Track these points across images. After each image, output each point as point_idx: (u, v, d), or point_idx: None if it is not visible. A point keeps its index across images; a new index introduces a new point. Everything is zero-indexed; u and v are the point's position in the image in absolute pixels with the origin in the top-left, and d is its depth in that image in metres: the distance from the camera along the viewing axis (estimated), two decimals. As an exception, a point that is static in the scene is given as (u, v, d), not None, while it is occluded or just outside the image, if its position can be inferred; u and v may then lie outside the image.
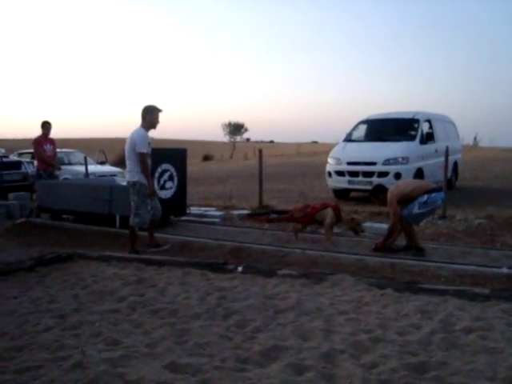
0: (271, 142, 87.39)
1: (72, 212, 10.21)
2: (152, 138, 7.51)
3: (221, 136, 68.04)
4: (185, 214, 10.14)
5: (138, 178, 7.15)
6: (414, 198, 7.13)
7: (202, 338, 4.01)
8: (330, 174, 13.56)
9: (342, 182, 13.29)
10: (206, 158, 41.84)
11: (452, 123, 17.04)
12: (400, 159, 12.62)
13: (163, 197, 9.12)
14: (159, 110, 7.35)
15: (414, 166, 12.85)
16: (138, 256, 6.93)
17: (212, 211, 11.12)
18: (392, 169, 12.50)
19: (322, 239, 7.99)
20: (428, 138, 14.12)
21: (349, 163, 13.14)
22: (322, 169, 14.44)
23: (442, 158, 11.18)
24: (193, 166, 30.87)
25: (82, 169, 15.67)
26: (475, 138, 48.34)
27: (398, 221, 7.20)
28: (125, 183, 8.44)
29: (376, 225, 9.08)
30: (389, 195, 7.22)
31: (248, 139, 78.67)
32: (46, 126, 10.73)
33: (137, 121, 7.31)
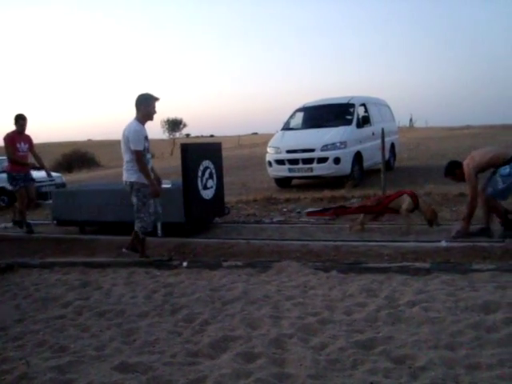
0: (211, 136, 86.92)
1: (99, 222, 8.96)
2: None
3: (160, 133, 67.32)
4: (225, 214, 9.25)
5: (136, 177, 6.37)
6: (493, 167, 6.67)
7: (150, 335, 3.97)
8: (270, 163, 13.63)
9: (282, 171, 13.37)
10: (147, 157, 41.25)
11: (387, 106, 17.39)
12: (338, 144, 12.79)
13: (206, 197, 8.39)
14: (156, 99, 6.49)
15: (352, 149, 13.06)
16: (81, 259, 6.78)
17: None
18: (331, 154, 12.66)
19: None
20: (364, 121, 14.35)
21: (288, 151, 13.23)
22: (263, 159, 14.51)
23: (379, 141, 11.39)
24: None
25: None
26: (411, 120, 49.47)
27: (476, 195, 6.67)
28: (167, 186, 7.88)
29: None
30: (466, 169, 6.71)
31: (188, 135, 78.13)
32: (19, 121, 9.07)
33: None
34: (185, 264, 6.14)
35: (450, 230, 6.93)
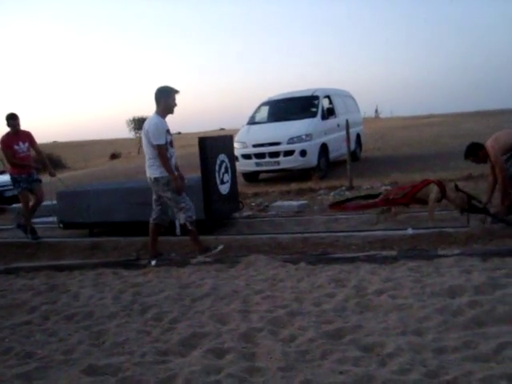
0: (179, 133, 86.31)
1: (111, 223, 8.37)
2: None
3: (126, 132, 66.56)
4: (239, 209, 8.93)
5: (160, 172, 6.16)
6: None
7: (119, 336, 3.93)
8: (237, 158, 13.55)
9: (249, 165, 13.35)
10: (114, 156, 40.69)
11: (351, 97, 17.50)
12: (304, 136, 12.83)
13: (223, 192, 8.06)
14: (176, 92, 6.27)
15: (318, 141, 13.12)
16: (47, 263, 6.67)
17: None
18: (297, 147, 12.70)
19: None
20: (329, 113, 14.41)
21: (254, 145, 13.21)
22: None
23: (345, 132, 11.47)
24: (101, 165, 30.17)
25: None
26: (376, 110, 50.15)
27: (506, 175, 6.44)
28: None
29: (286, 203, 9.22)
30: (491, 150, 6.51)
31: (155, 133, 77.44)
32: (10, 121, 8.22)
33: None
34: (153, 263, 6.10)
35: (497, 212, 6.62)
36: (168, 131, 6.20)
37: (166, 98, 6.21)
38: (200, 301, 4.57)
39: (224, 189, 8.07)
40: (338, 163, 14.15)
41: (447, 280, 4.42)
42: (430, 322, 3.60)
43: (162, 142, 6.10)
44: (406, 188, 7.27)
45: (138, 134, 64.52)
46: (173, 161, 6.24)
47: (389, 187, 9.94)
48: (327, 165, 13.57)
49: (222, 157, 8.08)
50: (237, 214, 8.71)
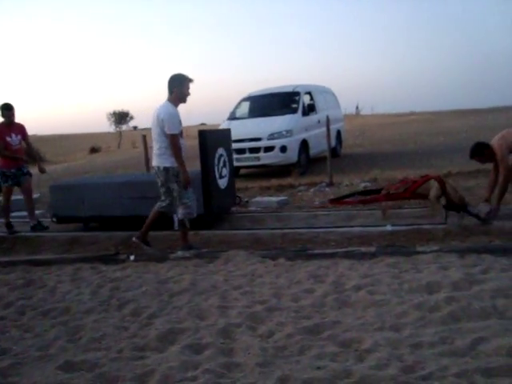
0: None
1: (107, 217, 8.09)
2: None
3: (106, 126, 66.01)
4: (236, 204, 8.79)
5: (171, 162, 6.01)
6: None
7: (96, 332, 3.89)
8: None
9: (229, 161, 13.30)
10: (94, 150, 40.33)
11: (332, 93, 17.55)
12: (284, 132, 12.84)
13: (222, 187, 7.93)
14: (190, 80, 6.09)
15: (298, 137, 13.14)
16: (24, 258, 6.59)
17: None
18: (277, 143, 12.71)
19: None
20: (310, 109, 14.44)
21: (235, 141, 13.12)
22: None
23: (325, 128, 11.49)
24: (80, 159, 29.88)
25: None
26: (357, 107, 50.32)
27: (510, 176, 6.50)
28: None
29: (266, 199, 9.22)
30: (497, 148, 6.50)
31: (135, 127, 76.94)
32: (4, 112, 8.01)
33: None
34: (131, 258, 6.06)
35: (479, 211, 6.63)
36: (180, 121, 6.11)
37: (179, 86, 6.06)
38: (178, 296, 4.55)
39: (222, 183, 7.96)
40: (319, 159, 14.18)
41: (425, 276, 4.46)
42: (407, 318, 3.63)
43: (177, 131, 6.00)
44: (407, 183, 7.29)
45: (118, 128, 64.42)
46: (182, 153, 6.10)
47: (368, 184, 10.01)
48: (307, 161, 13.60)
49: (221, 150, 7.96)
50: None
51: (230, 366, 3.14)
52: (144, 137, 12.68)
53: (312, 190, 10.10)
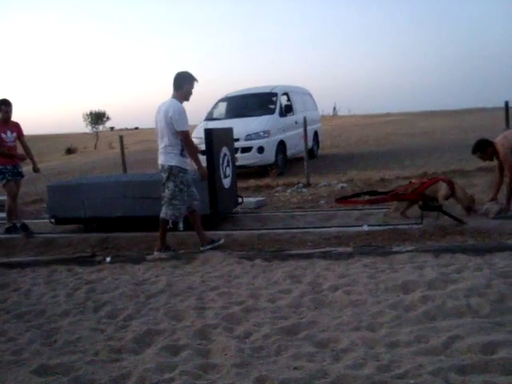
0: (136, 128, 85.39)
1: (108, 218, 7.88)
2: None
3: (83, 127, 65.42)
4: (238, 204, 8.55)
5: (176, 161, 5.94)
6: None
7: (72, 334, 3.85)
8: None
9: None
10: (70, 151, 39.95)
11: (309, 94, 17.60)
12: (261, 133, 12.86)
13: (226, 186, 7.79)
14: (196, 80, 6.08)
15: (275, 138, 13.17)
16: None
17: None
18: (254, 143, 12.72)
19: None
20: (287, 110, 14.49)
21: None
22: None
23: (302, 129, 11.53)
24: (56, 160, 29.54)
25: None
26: (334, 108, 50.66)
27: None
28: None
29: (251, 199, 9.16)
30: (500, 148, 6.58)
31: (112, 128, 76.46)
32: (1, 107, 7.84)
33: None
34: (108, 259, 6.01)
35: (487, 210, 6.76)
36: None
37: (188, 85, 6.04)
38: (155, 297, 4.53)
39: (226, 183, 7.85)
40: (296, 160, 14.23)
41: (401, 276, 4.49)
42: (383, 318, 3.65)
43: (188, 128, 5.98)
44: (416, 184, 7.28)
45: (94, 129, 63.87)
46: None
47: (345, 185, 10.06)
48: (285, 162, 13.64)
49: (225, 150, 7.85)
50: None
51: (207, 367, 3.13)
52: (121, 137, 12.60)
53: (289, 190, 10.12)
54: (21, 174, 8.16)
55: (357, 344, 3.23)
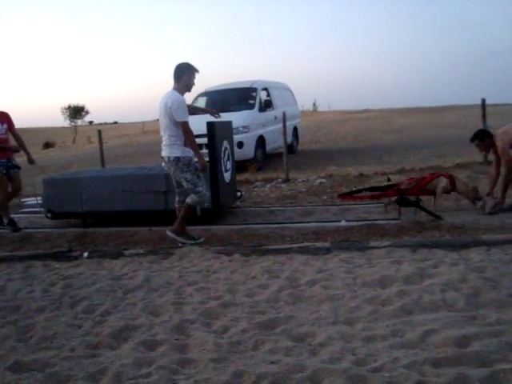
0: (115, 122, 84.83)
1: (107, 213, 7.75)
2: None
3: (61, 121, 64.87)
4: (238, 198, 8.55)
5: (181, 151, 5.97)
6: None
7: (48, 330, 3.81)
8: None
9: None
10: (47, 145, 39.45)
11: (289, 90, 17.59)
12: (241, 128, 12.81)
13: (227, 180, 7.73)
14: (197, 71, 6.08)
15: (255, 133, 13.14)
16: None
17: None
18: (234, 138, 12.66)
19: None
20: (266, 105, 14.45)
21: (192, 136, 13.08)
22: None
23: (282, 124, 11.54)
24: (33, 154, 29.14)
25: None
26: (314, 104, 50.56)
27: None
28: None
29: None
30: (499, 143, 6.67)
31: (91, 122, 75.89)
32: None
33: None
34: (85, 254, 5.96)
35: (482, 204, 6.83)
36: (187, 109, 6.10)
37: (188, 76, 6.05)
38: (132, 293, 4.50)
39: (227, 177, 7.79)
40: (275, 155, 14.25)
41: (378, 271, 4.53)
42: (360, 312, 3.68)
43: (187, 118, 5.97)
44: (417, 179, 7.33)
45: (73, 123, 63.34)
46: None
47: (324, 180, 10.10)
48: (264, 157, 13.62)
49: (226, 143, 7.82)
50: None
51: (185, 362, 3.12)
52: (99, 132, 12.50)
53: (268, 185, 10.14)
54: (17, 166, 7.91)
55: (334, 338, 3.25)
